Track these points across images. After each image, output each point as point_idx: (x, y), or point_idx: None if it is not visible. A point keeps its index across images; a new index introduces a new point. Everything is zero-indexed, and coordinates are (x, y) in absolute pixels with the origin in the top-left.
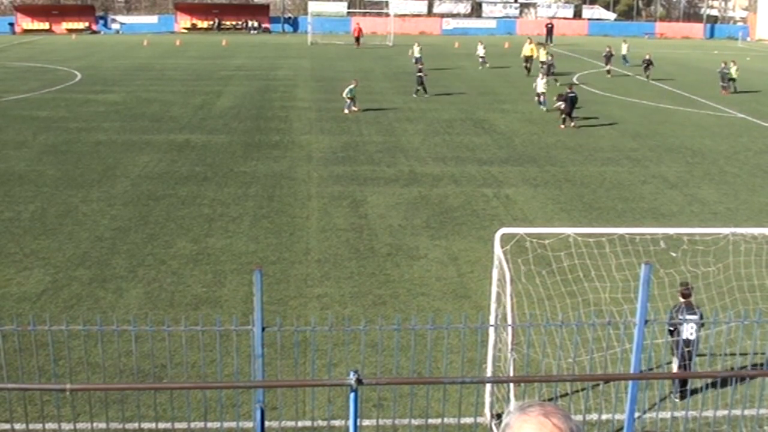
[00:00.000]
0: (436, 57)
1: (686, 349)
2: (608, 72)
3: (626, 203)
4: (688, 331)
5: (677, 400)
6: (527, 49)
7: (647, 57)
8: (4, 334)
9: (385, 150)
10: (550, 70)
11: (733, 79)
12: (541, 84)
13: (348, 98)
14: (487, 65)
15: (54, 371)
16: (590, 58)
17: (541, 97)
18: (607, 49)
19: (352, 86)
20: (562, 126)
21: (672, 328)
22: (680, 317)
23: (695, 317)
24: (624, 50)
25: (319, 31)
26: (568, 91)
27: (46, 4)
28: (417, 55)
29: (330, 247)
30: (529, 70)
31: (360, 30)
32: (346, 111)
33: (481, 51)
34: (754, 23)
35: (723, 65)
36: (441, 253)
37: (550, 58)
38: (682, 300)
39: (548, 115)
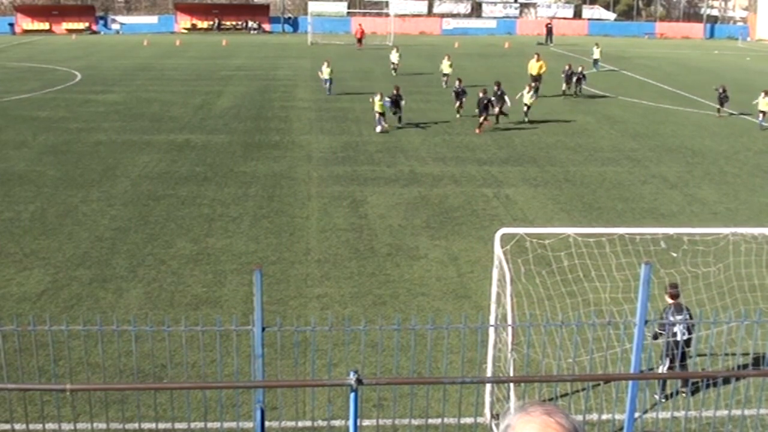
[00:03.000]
0: (435, 57)
1: (681, 350)
2: (564, 92)
3: (626, 203)
4: (680, 332)
5: (661, 400)
6: (535, 66)
7: (580, 69)
8: (4, 334)
9: (385, 150)
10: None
11: (764, 112)
12: (526, 96)
13: (378, 113)
14: (395, 74)
15: (54, 371)
16: (589, 58)
17: (528, 110)
18: (567, 68)
19: (377, 98)
20: (477, 131)
21: (660, 331)
22: (669, 319)
23: (684, 318)
24: (596, 54)
25: (319, 31)
26: (481, 95)
27: (46, 4)
28: (326, 77)
29: (330, 247)
30: (537, 90)
31: (362, 31)
32: (379, 129)
33: (394, 58)
34: (754, 23)
35: (721, 90)
36: (441, 253)
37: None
38: (670, 301)
39: (542, 116)
